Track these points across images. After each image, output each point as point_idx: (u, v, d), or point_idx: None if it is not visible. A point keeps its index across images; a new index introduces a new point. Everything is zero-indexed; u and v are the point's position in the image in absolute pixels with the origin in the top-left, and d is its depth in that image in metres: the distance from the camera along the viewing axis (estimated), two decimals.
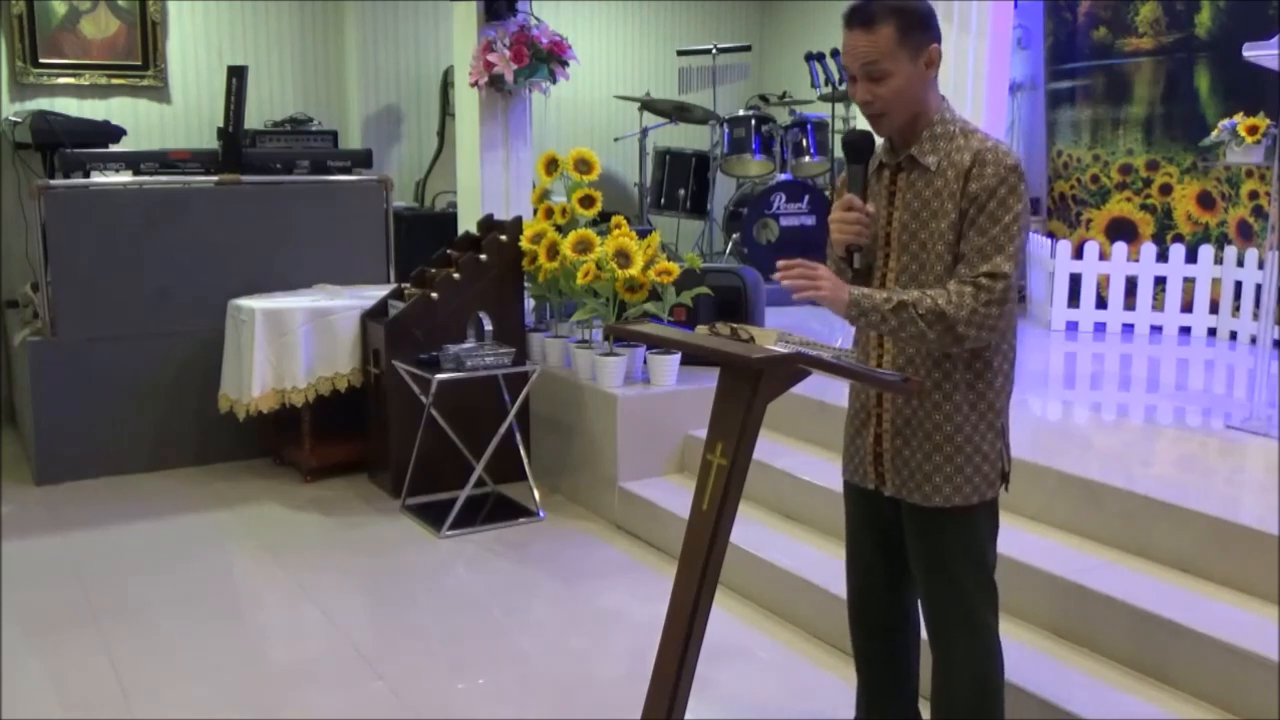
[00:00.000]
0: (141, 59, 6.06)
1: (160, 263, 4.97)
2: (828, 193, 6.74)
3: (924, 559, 2.24)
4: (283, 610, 3.61)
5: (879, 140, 2.28)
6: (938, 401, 2.16)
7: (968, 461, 2.16)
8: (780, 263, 2.14)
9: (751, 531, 3.65)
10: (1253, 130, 4.23)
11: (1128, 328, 5.79)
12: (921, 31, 2.11)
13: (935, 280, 2.13)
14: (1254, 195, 5.45)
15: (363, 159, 5.71)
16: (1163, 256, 5.70)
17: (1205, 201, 5.74)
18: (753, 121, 6.84)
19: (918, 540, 2.25)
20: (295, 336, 4.67)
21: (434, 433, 4.47)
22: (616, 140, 7.30)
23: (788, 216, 6.66)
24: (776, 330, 2.10)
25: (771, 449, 4.01)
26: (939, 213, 2.12)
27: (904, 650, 2.42)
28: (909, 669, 2.44)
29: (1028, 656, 2.77)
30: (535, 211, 4.81)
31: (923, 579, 2.26)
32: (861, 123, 2.30)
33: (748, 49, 7.81)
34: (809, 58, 6.91)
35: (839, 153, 6.81)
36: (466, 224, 5.25)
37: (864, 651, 2.46)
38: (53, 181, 4.93)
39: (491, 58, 4.84)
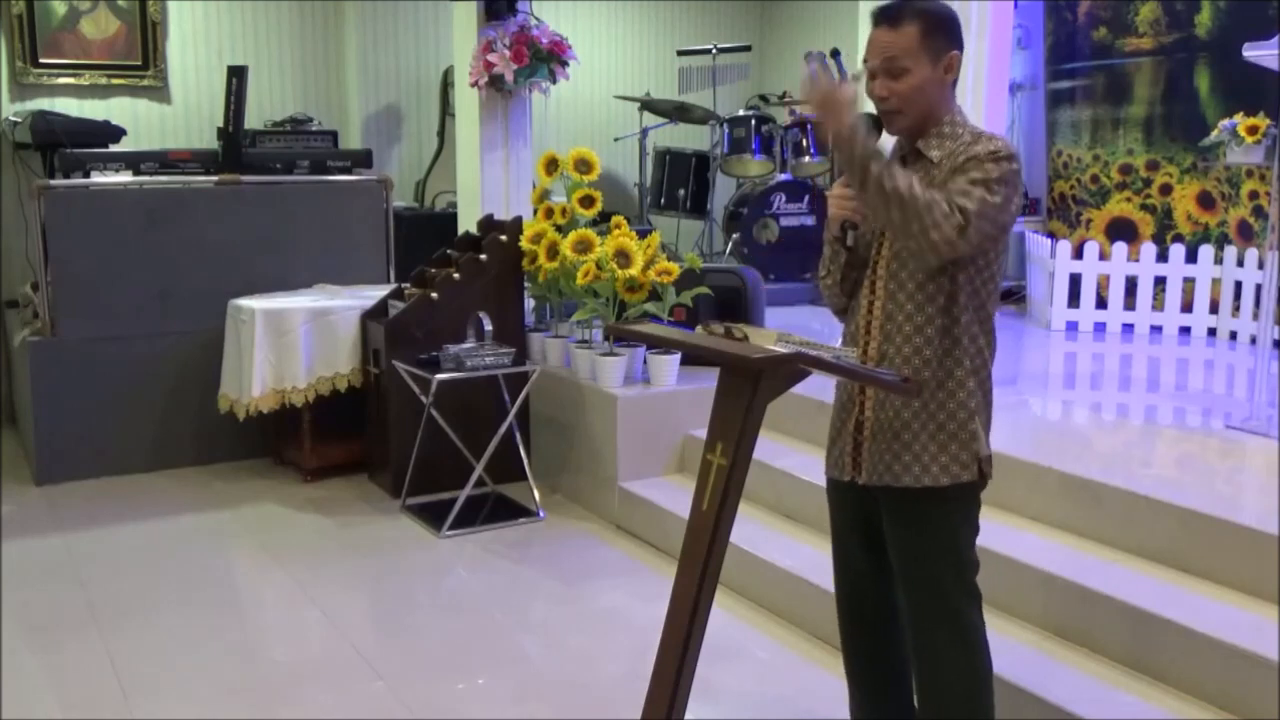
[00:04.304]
0: (141, 59, 6.06)
1: (160, 263, 4.97)
2: (828, 192, 6.73)
3: (901, 552, 2.26)
4: (282, 610, 3.61)
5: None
6: None
7: (932, 439, 2.18)
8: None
9: (751, 531, 3.65)
10: (1253, 130, 4.23)
11: (1128, 328, 5.79)
12: (944, 37, 2.16)
13: (924, 267, 2.16)
14: (1254, 195, 5.45)
15: (363, 159, 5.71)
16: (1163, 256, 5.71)
17: (1205, 201, 5.74)
18: (753, 121, 6.84)
19: (894, 530, 2.26)
20: (295, 336, 4.67)
21: (434, 433, 4.47)
22: (616, 140, 7.30)
23: (788, 216, 6.66)
24: (776, 330, 2.10)
25: (771, 449, 4.01)
26: None
27: (895, 648, 2.42)
28: (902, 667, 2.43)
29: (1026, 656, 2.77)
30: (535, 211, 4.81)
31: (901, 573, 2.27)
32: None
33: (748, 49, 7.81)
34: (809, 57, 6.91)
35: None
36: (466, 224, 5.25)
37: (854, 649, 2.46)
38: (53, 181, 4.93)
39: (491, 58, 4.84)
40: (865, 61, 2.21)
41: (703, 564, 2.05)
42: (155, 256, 4.97)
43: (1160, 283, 5.73)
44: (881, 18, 2.16)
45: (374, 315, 4.77)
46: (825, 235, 2.36)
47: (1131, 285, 5.76)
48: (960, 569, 2.23)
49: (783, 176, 6.78)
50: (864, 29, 2.23)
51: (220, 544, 4.16)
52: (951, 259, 2.09)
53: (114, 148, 5.47)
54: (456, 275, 4.67)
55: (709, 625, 2.12)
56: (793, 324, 5.45)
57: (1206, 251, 5.58)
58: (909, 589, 2.26)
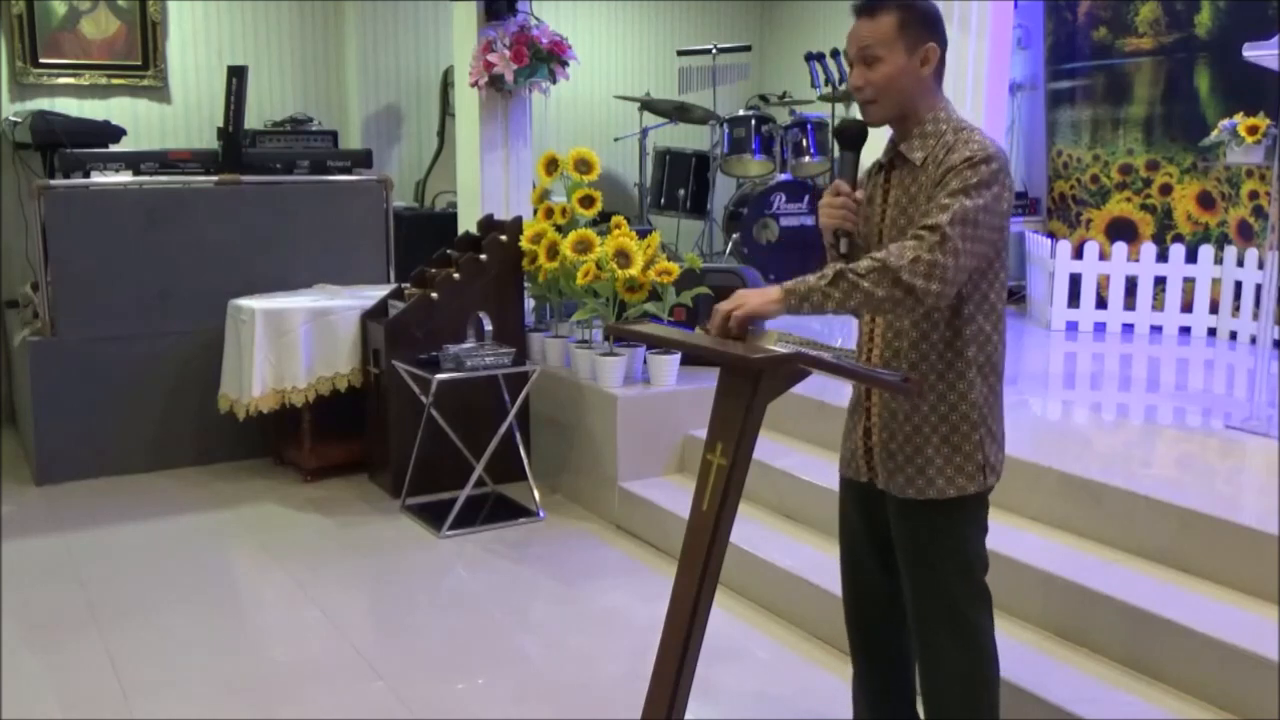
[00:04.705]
0: (141, 59, 6.06)
1: (160, 263, 4.97)
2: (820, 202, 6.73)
3: (906, 553, 2.26)
4: (282, 610, 3.61)
5: (874, 132, 2.29)
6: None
7: (937, 452, 2.18)
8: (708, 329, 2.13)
9: (751, 531, 3.65)
10: (1253, 130, 4.23)
11: (1128, 328, 5.79)
12: (923, 29, 2.16)
13: (945, 308, 2.15)
14: (1254, 195, 5.45)
15: (363, 159, 5.71)
16: (1163, 256, 5.71)
17: (1205, 201, 5.74)
18: (753, 121, 6.84)
19: (900, 532, 2.26)
20: (295, 336, 4.67)
21: (434, 433, 4.47)
22: (616, 140, 7.30)
23: (787, 216, 6.66)
24: (776, 330, 2.10)
25: (771, 449, 4.01)
26: (920, 206, 2.15)
27: (900, 648, 2.42)
28: (906, 668, 2.44)
29: (1026, 656, 2.77)
30: (535, 211, 4.81)
31: (906, 575, 2.27)
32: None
33: (748, 49, 7.80)
34: (809, 58, 6.91)
35: (839, 152, 6.80)
36: (466, 224, 5.25)
37: (859, 649, 2.46)
38: (53, 181, 4.93)
39: (491, 58, 4.84)
40: (846, 55, 2.23)
41: (703, 564, 2.05)
42: (155, 256, 4.97)
43: (1160, 283, 5.73)
44: (861, 9, 2.18)
45: (374, 315, 4.77)
46: (825, 242, 2.36)
47: (1131, 285, 5.76)
48: (967, 570, 2.23)
49: (783, 176, 6.78)
50: None
51: (220, 544, 4.16)
52: (955, 279, 2.04)
53: (114, 148, 5.47)
54: (456, 275, 4.67)
55: (709, 625, 2.11)
56: (793, 324, 5.45)
57: (1206, 251, 5.58)
58: (914, 590, 2.26)
